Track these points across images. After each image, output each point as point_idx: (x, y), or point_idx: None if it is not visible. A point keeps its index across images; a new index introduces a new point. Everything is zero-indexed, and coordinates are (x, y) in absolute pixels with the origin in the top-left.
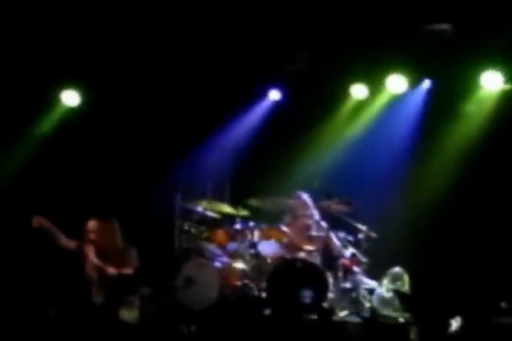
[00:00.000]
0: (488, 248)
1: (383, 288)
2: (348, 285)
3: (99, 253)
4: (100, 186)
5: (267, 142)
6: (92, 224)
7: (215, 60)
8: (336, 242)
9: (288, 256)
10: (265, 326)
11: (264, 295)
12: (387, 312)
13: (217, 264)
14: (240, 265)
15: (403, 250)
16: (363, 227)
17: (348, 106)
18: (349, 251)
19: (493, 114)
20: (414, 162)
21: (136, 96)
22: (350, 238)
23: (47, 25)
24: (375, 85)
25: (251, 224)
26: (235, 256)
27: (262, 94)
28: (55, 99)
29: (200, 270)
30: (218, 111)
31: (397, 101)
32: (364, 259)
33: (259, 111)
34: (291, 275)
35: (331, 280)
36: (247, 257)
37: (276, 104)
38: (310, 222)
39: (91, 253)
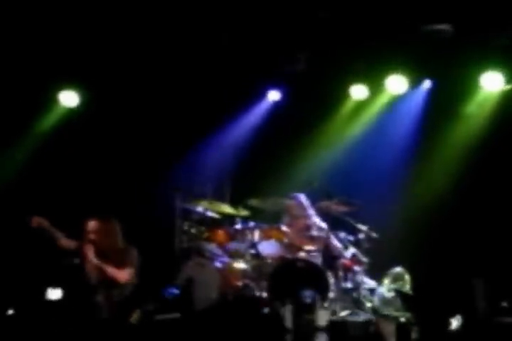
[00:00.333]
0: (489, 248)
1: (384, 288)
2: (348, 285)
3: (99, 253)
4: (100, 186)
5: (267, 142)
6: (92, 224)
7: (215, 61)
8: (336, 242)
9: (288, 256)
10: (265, 325)
11: (264, 295)
12: (388, 311)
13: (218, 264)
14: (240, 265)
15: (404, 250)
16: (363, 227)
17: (348, 106)
18: (350, 251)
19: (494, 115)
20: (415, 162)
21: (136, 96)
22: (351, 238)
23: (46, 26)
24: (375, 85)
25: (251, 224)
26: (235, 256)
27: (262, 95)
28: (53, 99)
29: (200, 270)
30: (218, 112)
31: (397, 101)
32: (365, 259)
33: (259, 111)
34: (292, 276)
35: (331, 280)
36: (248, 257)
37: (277, 104)
38: (309, 222)
39: (91, 253)
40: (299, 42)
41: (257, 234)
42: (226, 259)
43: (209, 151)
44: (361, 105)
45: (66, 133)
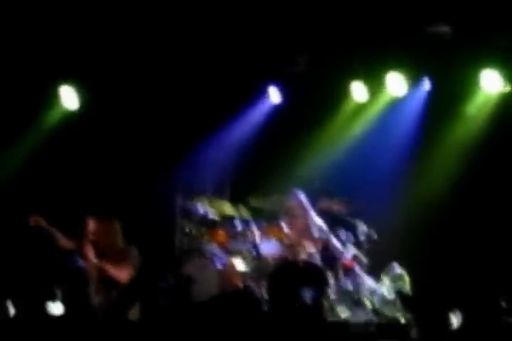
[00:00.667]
0: (490, 248)
1: (384, 289)
2: (349, 285)
3: (99, 253)
4: (100, 185)
5: (268, 141)
6: (92, 223)
7: (216, 61)
8: (336, 242)
9: (289, 256)
10: (264, 324)
11: (265, 295)
12: (388, 312)
13: (218, 264)
14: (240, 265)
15: (404, 250)
16: (364, 227)
17: (349, 106)
18: (350, 252)
19: (493, 115)
20: (415, 162)
21: (137, 96)
22: (351, 238)
23: (46, 26)
24: (375, 85)
25: (252, 223)
26: (235, 256)
27: (263, 95)
28: (54, 99)
29: (200, 270)
30: (219, 111)
31: (397, 101)
32: (365, 259)
33: (260, 110)
34: (292, 276)
35: (331, 280)
36: (248, 257)
37: (277, 105)
38: (309, 222)
39: (91, 253)
40: (299, 44)
41: (257, 234)
42: (226, 259)
43: (209, 151)
44: (361, 105)
45: (66, 133)
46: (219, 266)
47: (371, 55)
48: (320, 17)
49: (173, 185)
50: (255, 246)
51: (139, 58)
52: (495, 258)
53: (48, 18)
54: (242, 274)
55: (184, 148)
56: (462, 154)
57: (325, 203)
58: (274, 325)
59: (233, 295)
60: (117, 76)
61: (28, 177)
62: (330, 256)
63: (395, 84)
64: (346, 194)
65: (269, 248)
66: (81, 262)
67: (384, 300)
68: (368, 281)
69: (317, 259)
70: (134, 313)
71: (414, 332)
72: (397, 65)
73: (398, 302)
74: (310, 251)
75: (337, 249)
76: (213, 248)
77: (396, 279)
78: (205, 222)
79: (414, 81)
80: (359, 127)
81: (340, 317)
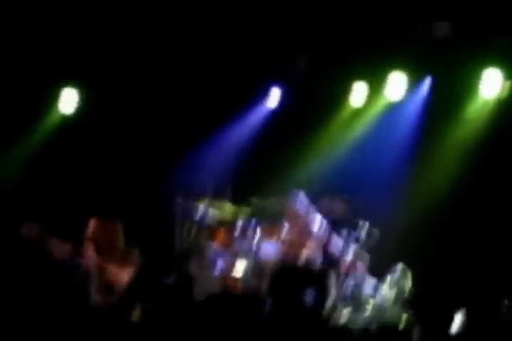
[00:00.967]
0: (492, 246)
1: (386, 288)
2: (350, 285)
3: (100, 253)
4: (101, 186)
5: (268, 142)
6: (93, 224)
7: (215, 61)
8: (337, 242)
9: (290, 256)
10: (264, 324)
11: (265, 296)
12: (390, 312)
13: (219, 265)
14: (241, 266)
15: (406, 250)
16: (365, 227)
17: (349, 108)
18: (351, 251)
19: (494, 116)
20: (416, 163)
21: (137, 97)
22: (352, 237)
23: (47, 27)
24: (376, 86)
25: (253, 224)
26: (236, 256)
27: (263, 95)
28: (54, 101)
29: (200, 271)
30: (219, 112)
31: (397, 102)
32: (366, 260)
33: (260, 112)
34: (293, 277)
35: (333, 280)
36: (249, 258)
37: (277, 105)
38: (310, 222)
39: (91, 253)
40: (300, 44)
41: (258, 234)
42: (227, 260)
43: (210, 151)
44: (362, 106)
45: (67, 134)
46: (219, 267)
47: (372, 55)
48: (321, 16)
49: (173, 185)
50: (256, 247)
51: (139, 58)
52: (497, 257)
53: (48, 19)
54: (243, 275)
55: (184, 149)
56: (462, 155)
57: (325, 202)
58: (274, 326)
59: (233, 295)
60: (118, 77)
61: (29, 178)
62: (331, 256)
63: (397, 84)
64: (347, 194)
65: (269, 249)
66: (81, 262)
67: (385, 300)
68: (370, 281)
69: (318, 259)
70: (135, 314)
71: (416, 333)
72: (398, 65)
73: (400, 303)
74: (311, 251)
75: (338, 248)
76: (213, 248)
77: (398, 279)
78: (205, 223)
79: (415, 81)
80: (359, 129)
81: (341, 317)
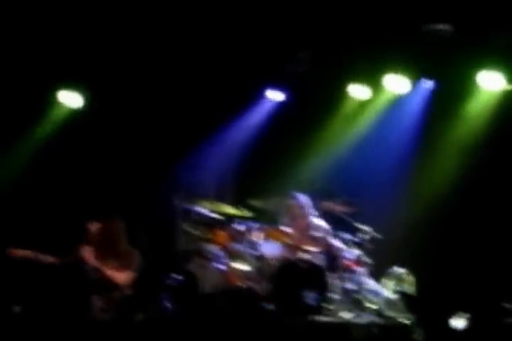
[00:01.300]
0: (493, 249)
1: (387, 289)
2: (351, 286)
3: (101, 255)
4: (102, 187)
5: (269, 142)
6: (93, 225)
7: (216, 61)
8: (339, 243)
9: (291, 257)
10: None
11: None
12: (391, 313)
13: (219, 266)
14: (242, 266)
15: (407, 251)
16: (366, 228)
17: (350, 105)
18: (353, 252)
19: (494, 114)
20: (417, 161)
21: (138, 97)
22: (354, 239)
23: (47, 27)
24: (376, 85)
25: (253, 224)
26: (237, 257)
27: (264, 94)
28: (55, 100)
29: (201, 271)
30: (220, 112)
31: (398, 101)
32: (368, 260)
33: (261, 111)
34: (294, 277)
35: (334, 281)
36: (250, 258)
37: (278, 105)
38: (310, 222)
39: (90, 255)
40: (301, 43)
41: (258, 235)
42: (228, 261)
43: (210, 151)
44: (363, 105)
45: (68, 134)
46: (220, 267)
47: (372, 54)
48: (322, 16)
49: (174, 185)
50: (256, 247)
51: (140, 58)
52: (498, 257)
53: (50, 19)
54: (243, 275)
55: (185, 150)
56: (464, 153)
57: (327, 203)
58: (275, 325)
59: (234, 294)
60: (118, 77)
61: (30, 178)
62: (332, 257)
63: (396, 83)
64: (348, 193)
65: (270, 249)
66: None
67: (387, 300)
68: (371, 282)
69: (319, 260)
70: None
71: (417, 333)
72: (398, 65)
73: (401, 303)
74: (312, 251)
75: (339, 249)
76: (214, 249)
77: (400, 280)
78: (206, 223)
79: (415, 80)
80: (360, 127)
81: (342, 318)
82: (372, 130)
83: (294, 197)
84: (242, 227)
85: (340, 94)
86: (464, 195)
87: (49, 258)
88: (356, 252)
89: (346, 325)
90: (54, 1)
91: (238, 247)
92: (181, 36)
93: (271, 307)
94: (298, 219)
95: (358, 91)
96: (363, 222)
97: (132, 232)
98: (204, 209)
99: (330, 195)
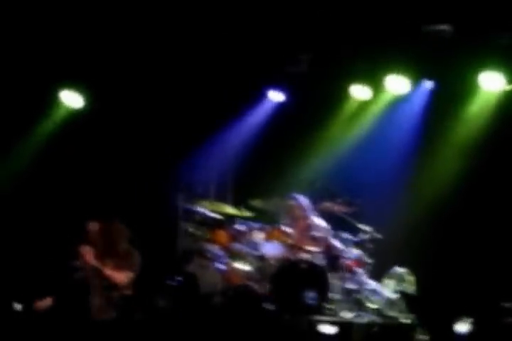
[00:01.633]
0: (494, 248)
1: (388, 289)
2: (352, 286)
3: (101, 255)
4: (102, 187)
5: (269, 142)
6: (93, 225)
7: (216, 62)
8: (339, 243)
9: (291, 257)
10: (266, 321)
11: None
12: (392, 313)
13: (220, 266)
14: (242, 266)
15: (408, 251)
16: (367, 228)
17: (350, 106)
18: (353, 252)
19: (495, 115)
20: (417, 162)
21: (138, 98)
22: (355, 239)
23: (48, 27)
24: (377, 86)
25: (254, 225)
26: (237, 257)
27: (264, 95)
28: (56, 100)
29: (202, 271)
30: (220, 112)
31: (398, 101)
32: (368, 260)
33: (261, 111)
34: (295, 277)
35: (335, 281)
36: (250, 258)
37: (279, 105)
38: (310, 223)
39: (89, 255)
40: (301, 44)
41: (259, 235)
42: (228, 260)
43: (211, 152)
44: (363, 105)
45: (69, 134)
46: (220, 267)
47: (373, 54)
48: (321, 17)
49: (175, 186)
50: (257, 247)
51: (142, 58)
52: (499, 257)
53: (50, 19)
54: (244, 274)
55: (186, 150)
56: (464, 153)
57: (327, 204)
58: (276, 325)
59: (234, 294)
60: (119, 78)
61: (30, 179)
62: (332, 257)
63: (396, 83)
64: (348, 193)
65: (271, 249)
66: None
67: (387, 300)
68: (371, 281)
69: (320, 260)
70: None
71: (417, 333)
72: (398, 65)
73: (401, 303)
74: (312, 251)
75: (339, 249)
76: (215, 249)
77: (400, 280)
78: (206, 223)
79: (416, 80)
80: (361, 127)
81: (343, 317)
82: (373, 130)
83: (295, 198)
84: (242, 227)
85: (341, 95)
86: (465, 195)
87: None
88: (356, 252)
89: (346, 325)
90: (55, 1)
91: (239, 247)
92: (182, 37)
93: (271, 306)
94: (298, 219)
95: (358, 91)
96: (364, 222)
97: (132, 232)
98: (205, 209)
99: (330, 195)
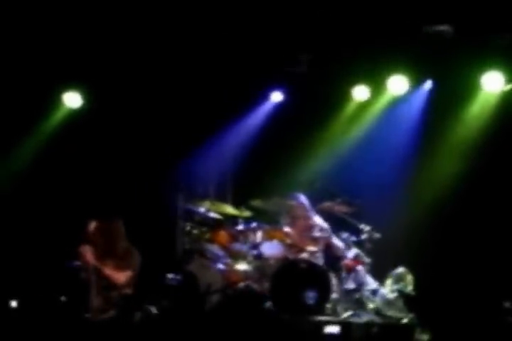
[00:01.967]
0: (493, 248)
1: (387, 289)
2: (351, 285)
3: (100, 255)
4: (102, 187)
5: (269, 142)
6: (93, 224)
7: (217, 62)
8: (338, 243)
9: (291, 256)
10: (266, 320)
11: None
12: (391, 312)
13: (220, 265)
14: (242, 266)
15: (407, 250)
16: (366, 228)
17: (350, 107)
18: (352, 252)
19: (495, 115)
20: (418, 162)
21: (139, 98)
22: (354, 238)
23: (48, 27)
24: (377, 86)
25: (254, 224)
26: (237, 257)
27: (264, 95)
28: (57, 100)
29: (202, 271)
30: (220, 112)
31: (398, 102)
32: (367, 260)
33: (261, 112)
34: (295, 276)
35: (334, 281)
36: (250, 258)
37: (279, 106)
38: (310, 222)
39: (89, 255)
40: (301, 44)
41: (259, 235)
42: (228, 260)
43: (211, 152)
44: (363, 106)
45: (69, 134)
46: (220, 267)
47: (373, 55)
48: (322, 17)
49: (175, 186)
50: (257, 247)
51: (142, 59)
52: (498, 257)
53: (51, 19)
54: (244, 274)
55: (186, 150)
56: (464, 154)
57: (327, 203)
58: (276, 325)
59: (234, 293)
60: (120, 78)
61: (31, 179)
62: (332, 256)
63: (396, 84)
64: (348, 194)
65: (270, 248)
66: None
67: (386, 300)
68: (370, 281)
69: (319, 259)
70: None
71: (416, 333)
72: (399, 66)
73: (400, 303)
74: (312, 251)
75: (339, 248)
76: (215, 248)
77: (399, 279)
78: (206, 223)
79: (416, 81)
80: (361, 128)
81: (342, 317)
82: (373, 131)
83: (295, 197)
84: (242, 227)
85: (341, 95)
86: (464, 195)
87: None
88: (356, 252)
89: (346, 324)
90: (55, 1)
91: (239, 247)
92: (182, 38)
93: (271, 306)
94: (298, 219)
95: (358, 92)
96: (363, 222)
97: (132, 232)
98: (205, 209)
99: (330, 195)
